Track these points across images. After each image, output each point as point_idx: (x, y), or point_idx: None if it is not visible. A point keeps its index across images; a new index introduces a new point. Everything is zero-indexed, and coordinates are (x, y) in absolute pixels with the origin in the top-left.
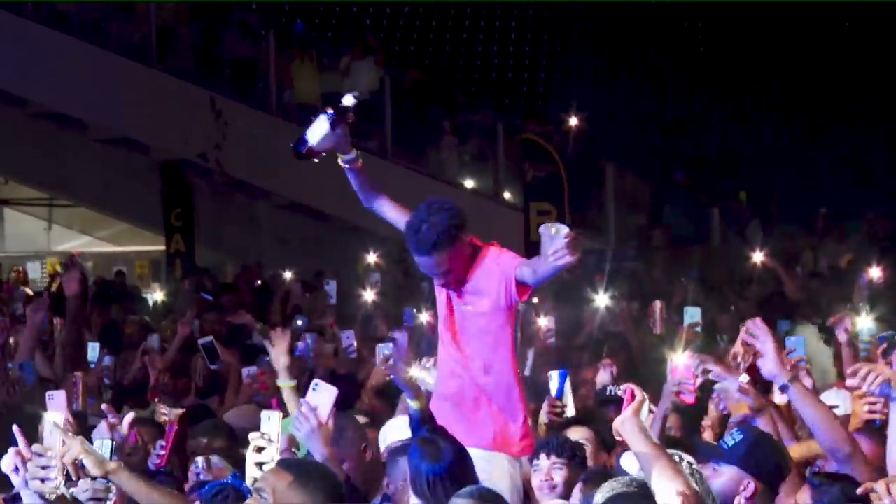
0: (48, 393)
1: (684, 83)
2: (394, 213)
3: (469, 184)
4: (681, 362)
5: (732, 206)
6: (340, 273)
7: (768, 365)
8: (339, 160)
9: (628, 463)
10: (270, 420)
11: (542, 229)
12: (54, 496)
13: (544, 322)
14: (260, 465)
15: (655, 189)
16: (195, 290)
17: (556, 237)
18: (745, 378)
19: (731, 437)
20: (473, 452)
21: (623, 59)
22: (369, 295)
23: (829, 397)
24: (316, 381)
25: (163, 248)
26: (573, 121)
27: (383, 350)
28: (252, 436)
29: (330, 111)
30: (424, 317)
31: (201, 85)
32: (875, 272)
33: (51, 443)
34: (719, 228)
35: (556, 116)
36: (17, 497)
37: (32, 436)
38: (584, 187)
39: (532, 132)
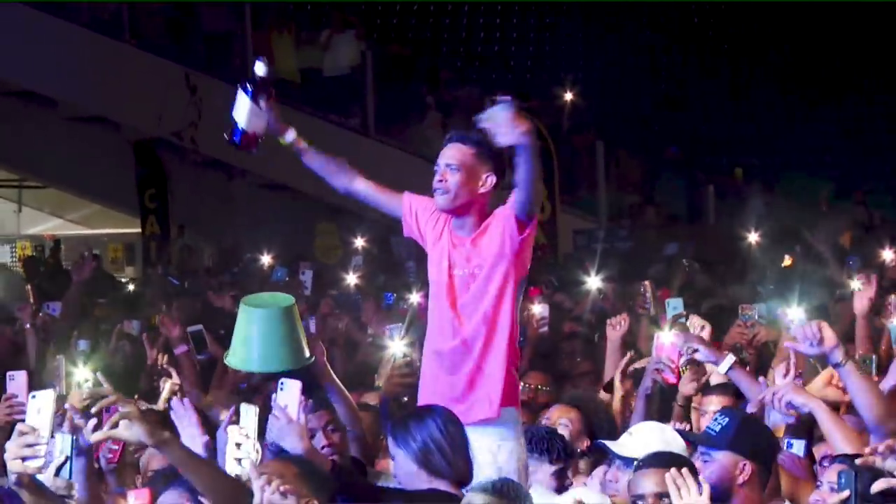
0: (8, 373)
1: (678, 57)
2: (374, 193)
3: None
4: (667, 340)
5: (728, 182)
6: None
7: (828, 343)
8: (281, 144)
9: (628, 444)
10: (248, 414)
11: (477, 120)
12: (28, 479)
13: (538, 309)
14: (238, 460)
15: (648, 166)
16: (164, 275)
17: (496, 115)
18: (731, 360)
19: (717, 422)
20: (479, 432)
21: (613, 31)
22: (352, 278)
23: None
24: (282, 380)
25: (137, 230)
26: (566, 96)
27: (392, 332)
28: (230, 430)
29: (246, 85)
30: (415, 297)
31: (175, 60)
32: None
33: (38, 422)
34: (714, 206)
35: (545, 92)
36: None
37: None
38: (575, 164)
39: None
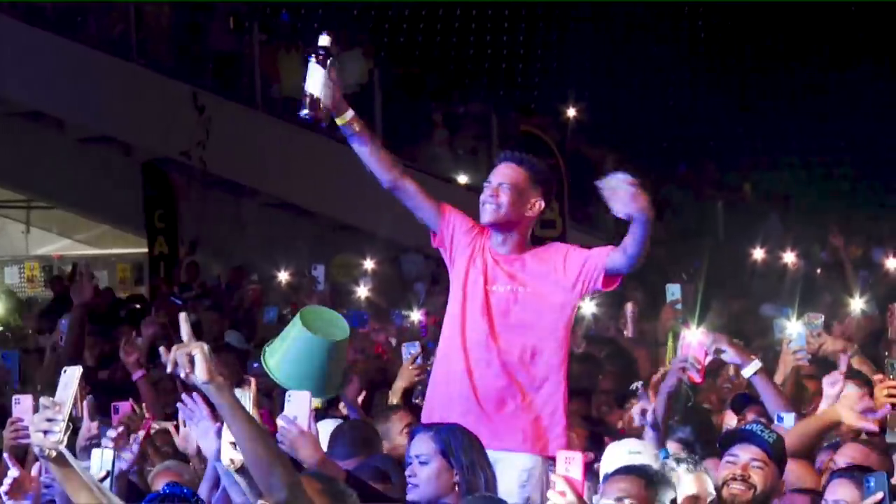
0: (14, 397)
1: (685, 72)
2: (418, 194)
3: (462, 179)
4: (694, 339)
5: (737, 197)
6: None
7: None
8: (338, 122)
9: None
10: (242, 399)
11: (601, 186)
12: (54, 452)
13: None
14: (233, 443)
15: (657, 181)
16: (167, 295)
17: (617, 186)
18: (757, 365)
19: (768, 433)
20: (511, 458)
21: (621, 46)
22: (363, 291)
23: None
24: (289, 392)
25: (145, 250)
26: (570, 112)
27: (409, 349)
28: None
29: (318, 55)
30: (416, 315)
31: (183, 80)
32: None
33: (62, 397)
34: (723, 221)
35: (553, 108)
36: None
37: None
38: (584, 180)
39: (529, 124)
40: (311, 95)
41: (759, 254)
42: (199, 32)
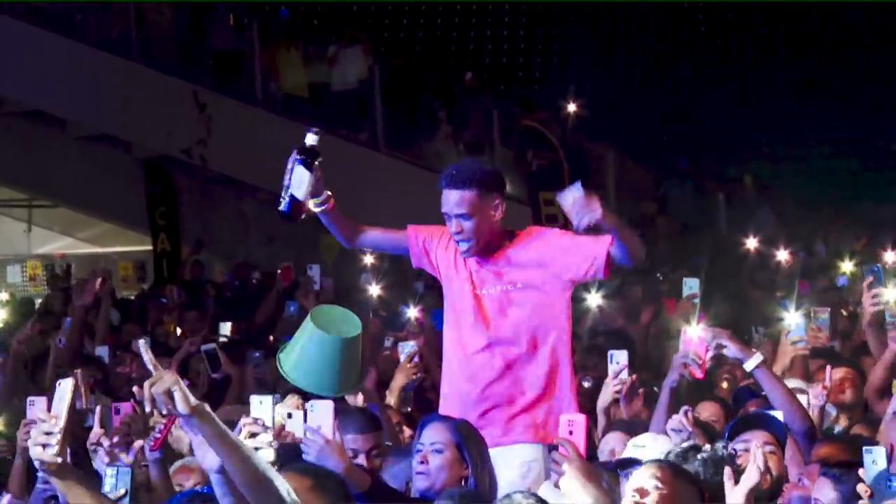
0: (28, 399)
1: (686, 66)
2: (382, 239)
3: None
4: (695, 335)
5: (738, 190)
6: (334, 269)
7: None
8: (311, 205)
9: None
10: (263, 405)
11: (559, 199)
12: (54, 465)
13: None
14: (255, 450)
15: (658, 175)
16: (157, 295)
17: (565, 200)
18: (759, 358)
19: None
20: (515, 450)
21: (622, 42)
22: (374, 289)
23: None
24: (311, 402)
25: (148, 248)
26: (571, 107)
27: (406, 349)
28: (244, 421)
29: (300, 156)
30: (413, 312)
31: (184, 78)
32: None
33: (58, 410)
34: (725, 215)
35: (554, 103)
36: None
37: None
38: (585, 175)
39: (531, 119)
40: (293, 197)
41: (752, 243)
42: (199, 30)
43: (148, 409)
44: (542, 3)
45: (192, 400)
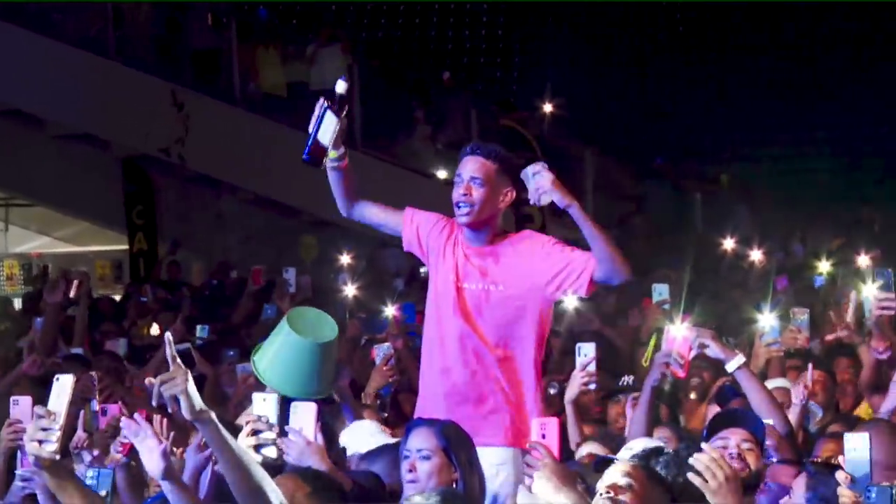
0: (12, 398)
1: (665, 65)
2: (379, 214)
3: (442, 174)
4: (678, 334)
5: (715, 190)
6: (313, 270)
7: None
8: (329, 158)
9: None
10: (266, 402)
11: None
12: (49, 462)
13: None
14: (258, 447)
15: (636, 175)
16: (136, 295)
17: (527, 180)
18: (741, 360)
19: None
20: (484, 452)
21: (600, 41)
22: (350, 290)
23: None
24: (294, 403)
25: (125, 247)
26: (549, 107)
27: (382, 351)
28: (247, 419)
29: (329, 103)
30: (390, 310)
31: (162, 77)
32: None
33: (56, 406)
34: (701, 214)
35: (532, 103)
36: None
37: None
38: (563, 175)
39: (509, 118)
40: (319, 142)
41: (729, 244)
42: (177, 30)
43: (154, 404)
44: (520, 3)
45: (198, 406)
